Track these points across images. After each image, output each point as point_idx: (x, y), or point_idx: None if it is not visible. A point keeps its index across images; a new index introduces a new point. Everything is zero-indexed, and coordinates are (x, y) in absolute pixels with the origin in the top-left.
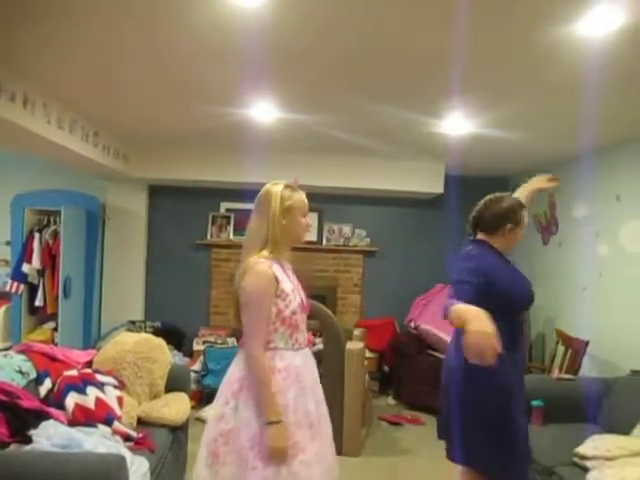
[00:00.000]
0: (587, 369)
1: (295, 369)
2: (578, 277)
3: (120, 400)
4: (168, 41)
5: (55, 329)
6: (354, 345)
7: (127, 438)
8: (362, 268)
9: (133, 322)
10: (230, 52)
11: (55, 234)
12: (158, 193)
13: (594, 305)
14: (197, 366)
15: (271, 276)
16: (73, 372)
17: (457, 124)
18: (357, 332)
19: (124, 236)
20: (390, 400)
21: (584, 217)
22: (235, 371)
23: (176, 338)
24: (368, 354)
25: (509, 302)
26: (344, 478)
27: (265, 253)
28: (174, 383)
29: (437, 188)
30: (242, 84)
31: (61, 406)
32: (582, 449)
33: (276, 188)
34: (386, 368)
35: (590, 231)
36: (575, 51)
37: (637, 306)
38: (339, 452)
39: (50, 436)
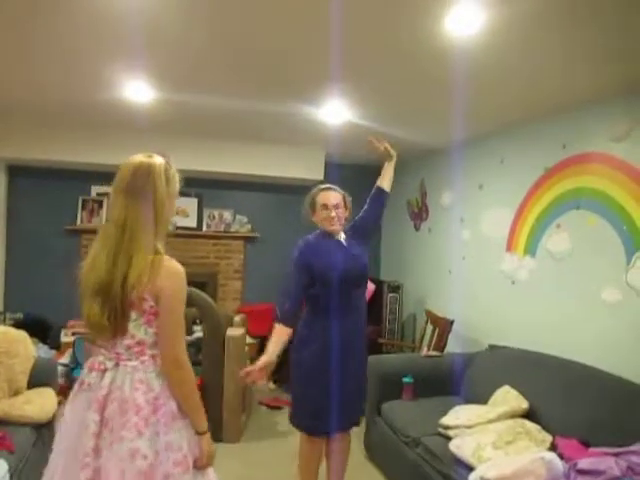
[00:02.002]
0: (452, 346)
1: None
2: (445, 261)
3: None
4: (31, 14)
5: None
6: (234, 331)
7: None
8: (243, 254)
9: None
10: (103, 28)
11: None
12: (19, 174)
13: (458, 287)
14: (66, 359)
15: (185, 275)
16: None
17: (336, 112)
18: (238, 318)
19: None
20: (270, 384)
21: (451, 204)
22: (137, 394)
23: (41, 330)
24: (249, 340)
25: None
26: (224, 465)
27: (159, 246)
28: (38, 378)
29: (318, 175)
30: (114, 60)
31: None
32: (445, 420)
33: (158, 163)
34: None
35: (456, 217)
36: (443, 49)
37: (493, 286)
38: (219, 439)
39: None
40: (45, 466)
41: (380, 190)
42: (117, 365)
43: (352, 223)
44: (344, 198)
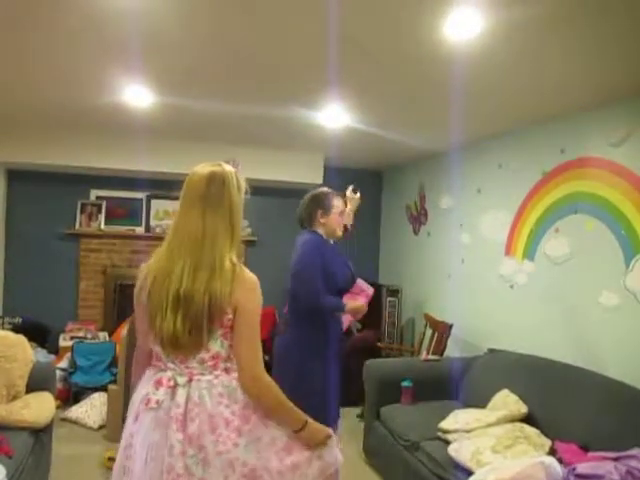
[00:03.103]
0: (451, 350)
1: None
2: (444, 264)
3: None
4: (29, 19)
5: None
6: None
7: None
8: (243, 258)
9: None
10: (102, 32)
11: None
12: (19, 178)
13: (457, 290)
14: (64, 363)
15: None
16: None
17: (335, 117)
18: None
19: None
20: None
21: (450, 208)
22: (221, 408)
23: (40, 334)
24: None
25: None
26: None
27: (234, 257)
28: (37, 382)
29: (316, 179)
30: (112, 66)
31: None
32: (444, 424)
33: (229, 171)
34: (266, 357)
35: (455, 221)
36: (442, 53)
37: (492, 290)
38: None
39: None
40: (43, 471)
41: None
42: (190, 381)
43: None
44: None
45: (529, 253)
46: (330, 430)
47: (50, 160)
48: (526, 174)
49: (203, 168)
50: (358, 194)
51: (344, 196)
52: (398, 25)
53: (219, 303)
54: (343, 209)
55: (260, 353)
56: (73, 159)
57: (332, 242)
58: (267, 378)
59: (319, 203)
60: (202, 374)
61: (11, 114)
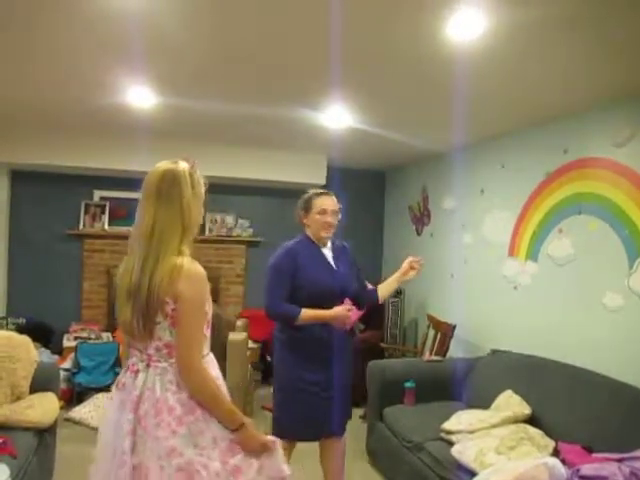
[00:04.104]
0: (454, 351)
1: (217, 379)
2: (447, 265)
3: None
4: (34, 20)
5: None
6: (236, 336)
7: None
8: (245, 258)
9: None
10: (105, 33)
11: None
12: (22, 179)
13: (460, 291)
14: (68, 364)
15: (206, 277)
16: None
17: (337, 118)
18: (240, 323)
19: None
20: (271, 389)
21: (453, 209)
22: (168, 394)
23: (43, 335)
24: (251, 344)
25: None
26: None
27: (185, 249)
28: (41, 383)
29: (319, 179)
30: (114, 67)
31: None
32: (447, 425)
33: (182, 168)
34: (269, 358)
35: (458, 222)
36: (444, 55)
37: (495, 291)
38: None
39: None
40: (47, 471)
41: (376, 297)
42: (148, 366)
43: (348, 251)
44: (339, 205)
45: (532, 254)
46: (271, 441)
47: (54, 161)
48: (529, 175)
49: (158, 166)
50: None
51: (328, 194)
52: (400, 25)
53: (158, 294)
54: (325, 208)
55: (197, 344)
56: (77, 160)
57: (327, 246)
58: (202, 370)
59: (301, 204)
60: (159, 361)
61: (15, 115)
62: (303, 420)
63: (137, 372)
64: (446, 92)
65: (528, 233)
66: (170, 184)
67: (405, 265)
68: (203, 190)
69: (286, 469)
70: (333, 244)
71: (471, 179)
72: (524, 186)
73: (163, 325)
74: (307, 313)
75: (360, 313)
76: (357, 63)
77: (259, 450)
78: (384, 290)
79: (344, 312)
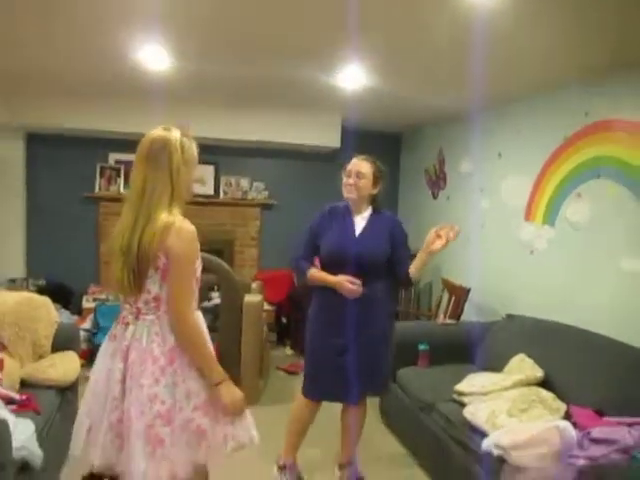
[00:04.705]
0: (468, 314)
1: (204, 327)
2: (463, 229)
3: (0, 362)
4: None
5: None
6: (252, 298)
7: (9, 401)
8: (259, 221)
9: (13, 280)
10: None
11: None
12: (38, 142)
13: (476, 255)
14: (87, 324)
15: (196, 235)
16: None
17: (352, 77)
18: (255, 285)
19: None
20: (288, 350)
21: (470, 172)
22: (153, 345)
23: (63, 296)
24: (266, 306)
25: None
26: None
27: (175, 209)
28: (62, 342)
29: (334, 142)
30: (131, 26)
31: None
32: (460, 386)
33: (174, 135)
34: (284, 319)
35: (475, 186)
36: (463, 12)
37: (512, 255)
38: None
39: None
40: (70, 427)
41: (406, 278)
42: (137, 319)
43: (393, 224)
44: (375, 171)
45: (549, 218)
46: (242, 404)
47: (69, 123)
48: (548, 138)
49: (151, 132)
50: None
51: (358, 157)
52: None
53: (149, 249)
54: (349, 169)
55: (187, 293)
56: (92, 122)
57: (364, 215)
58: (191, 319)
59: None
60: (147, 314)
61: (30, 77)
62: (318, 380)
63: (127, 324)
64: (464, 53)
65: (545, 197)
66: (160, 149)
67: (431, 235)
68: (194, 155)
69: (255, 435)
70: (377, 214)
71: (489, 143)
72: (542, 150)
73: (154, 278)
74: (315, 273)
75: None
76: (374, 23)
77: (238, 405)
78: (413, 268)
79: (344, 282)
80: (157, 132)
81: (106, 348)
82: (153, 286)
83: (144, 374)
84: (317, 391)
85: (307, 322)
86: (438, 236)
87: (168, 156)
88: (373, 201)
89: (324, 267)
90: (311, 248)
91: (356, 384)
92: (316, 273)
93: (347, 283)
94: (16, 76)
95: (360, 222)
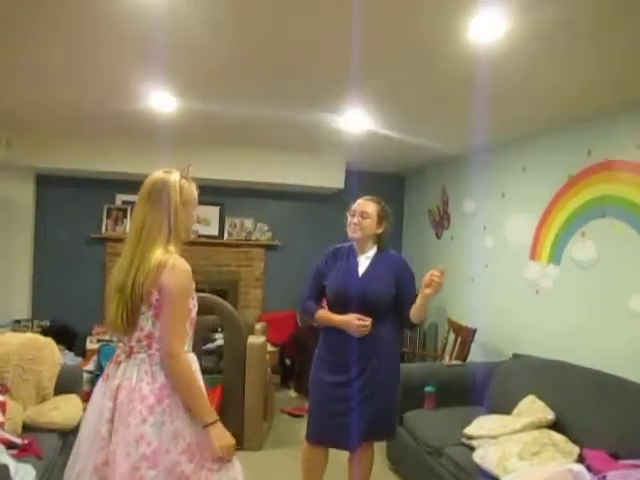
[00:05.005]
0: (475, 355)
1: (196, 373)
2: (467, 268)
3: (2, 405)
4: (57, 25)
5: None
6: (255, 339)
7: (11, 445)
8: (264, 262)
9: (18, 321)
10: (125, 41)
11: None
12: (47, 183)
13: (480, 295)
14: (91, 366)
15: (191, 274)
16: None
17: (356, 121)
18: (258, 326)
19: (7, 229)
20: (292, 392)
21: (473, 212)
22: (142, 384)
23: (67, 337)
24: (270, 348)
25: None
26: (246, 472)
27: (172, 248)
28: (65, 385)
29: (338, 183)
30: (137, 72)
31: None
32: (469, 430)
33: (173, 177)
34: (288, 361)
35: (478, 225)
36: (466, 56)
37: (517, 294)
38: (240, 446)
39: None
40: None
41: (409, 321)
42: (129, 357)
43: (398, 264)
44: (379, 211)
45: (555, 257)
46: (234, 445)
47: (78, 165)
48: (551, 177)
49: (153, 174)
50: None
51: (364, 198)
52: (421, 27)
53: (143, 286)
54: (354, 209)
55: (179, 333)
56: (99, 164)
57: (368, 254)
58: (182, 357)
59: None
60: (139, 352)
61: (39, 120)
62: (321, 423)
63: (119, 363)
64: (467, 94)
65: (550, 236)
66: (159, 190)
67: (427, 277)
68: (193, 197)
69: None
70: (382, 253)
71: (492, 182)
72: (546, 189)
73: (147, 315)
74: (322, 314)
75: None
76: (377, 66)
77: (227, 450)
78: (413, 310)
79: (352, 320)
80: (158, 174)
81: (99, 389)
82: (146, 323)
83: (132, 413)
84: (319, 434)
85: (313, 363)
86: (430, 282)
87: (167, 197)
88: (378, 241)
89: (331, 308)
90: (317, 289)
91: (358, 430)
92: (323, 313)
93: (355, 320)
94: (25, 118)
95: (364, 262)
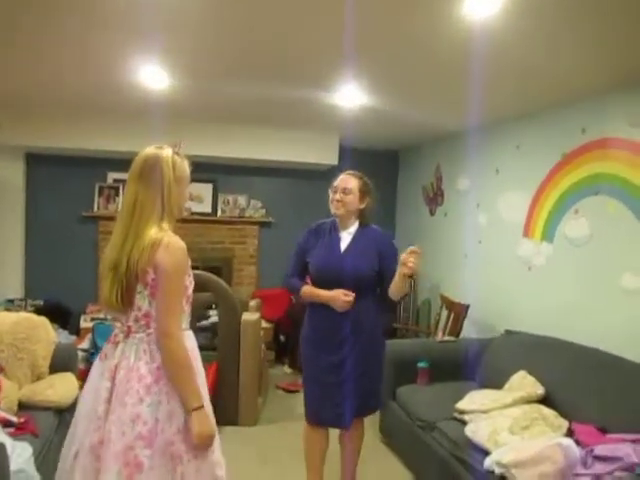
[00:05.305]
0: (468, 331)
1: (192, 351)
2: (461, 245)
3: None
4: (52, 2)
5: None
6: (250, 316)
7: (7, 424)
8: (257, 239)
9: (11, 301)
10: (119, 13)
11: None
12: (37, 162)
13: (474, 271)
14: (85, 344)
15: (186, 252)
16: None
17: (350, 97)
18: (253, 303)
19: None
20: (286, 368)
21: (467, 189)
22: (140, 363)
23: (61, 316)
24: (264, 324)
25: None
26: (241, 448)
27: (165, 226)
28: (59, 363)
29: (332, 160)
30: (129, 47)
31: None
32: (460, 404)
33: (166, 153)
34: (282, 337)
35: (472, 202)
36: (460, 32)
37: (510, 271)
38: (235, 422)
39: None
40: None
41: (389, 300)
42: (127, 337)
43: (380, 239)
44: (361, 186)
45: (548, 235)
46: (214, 435)
47: (68, 144)
48: (545, 155)
49: (144, 150)
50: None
51: (345, 173)
52: (415, 3)
53: (137, 264)
54: (336, 185)
55: (175, 309)
56: (90, 142)
57: (350, 230)
58: (176, 336)
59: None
60: (137, 332)
61: (29, 99)
62: (316, 404)
63: (117, 343)
64: (461, 72)
65: (543, 214)
66: (152, 167)
67: (403, 256)
68: (186, 173)
69: (221, 470)
70: (364, 229)
71: (486, 159)
72: (540, 166)
73: (143, 294)
74: (307, 289)
75: None
76: (371, 42)
77: (210, 435)
78: (392, 288)
79: (339, 295)
80: (149, 150)
81: (96, 368)
82: (142, 302)
83: (129, 393)
84: (316, 414)
85: (301, 344)
86: (404, 263)
87: (160, 173)
88: (361, 216)
89: (314, 284)
90: (301, 266)
91: (351, 407)
92: (309, 289)
93: (342, 295)
94: (14, 96)
95: (346, 238)
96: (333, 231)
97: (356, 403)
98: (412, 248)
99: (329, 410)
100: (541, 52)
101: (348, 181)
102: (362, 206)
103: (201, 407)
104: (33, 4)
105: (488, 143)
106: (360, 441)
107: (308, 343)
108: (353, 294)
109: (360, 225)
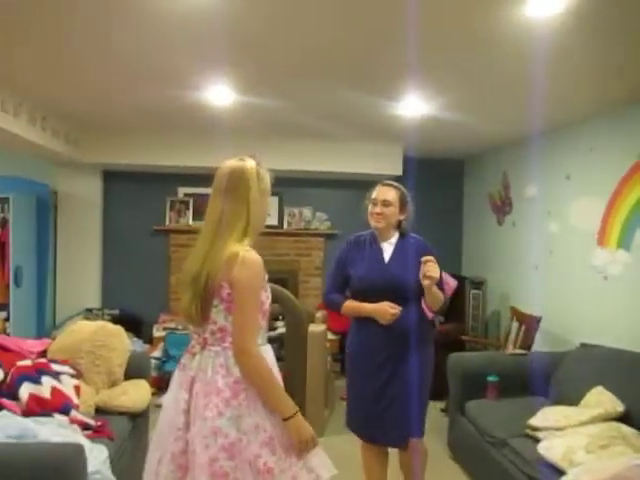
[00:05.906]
0: (539, 344)
1: (272, 367)
2: (530, 255)
3: (77, 389)
4: (119, 23)
5: (7, 319)
6: (316, 328)
7: (85, 427)
8: (323, 251)
9: (90, 310)
10: (185, 35)
11: (3, 222)
12: (113, 178)
13: (545, 282)
14: (157, 353)
15: (263, 266)
16: (27, 362)
17: (413, 106)
18: (319, 315)
19: (78, 223)
20: None
21: (536, 196)
22: (217, 377)
23: (135, 325)
24: (330, 336)
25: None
26: None
27: (247, 240)
28: (133, 370)
29: (396, 170)
30: (196, 66)
31: (15, 397)
32: (533, 421)
33: (250, 165)
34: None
35: (542, 210)
36: (523, 34)
37: (584, 282)
38: None
39: (3, 427)
40: (141, 453)
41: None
42: (204, 349)
43: (421, 248)
44: (401, 197)
45: (624, 242)
46: (314, 437)
47: (142, 160)
48: (620, 157)
49: (227, 163)
50: None
51: (384, 185)
52: (477, 7)
53: (215, 278)
54: (375, 198)
55: (251, 325)
56: (163, 159)
57: (391, 241)
58: (254, 351)
59: (367, 198)
60: (213, 345)
61: (107, 120)
62: (358, 418)
63: (194, 354)
64: (526, 73)
65: (619, 220)
66: (238, 180)
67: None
68: (269, 186)
69: (332, 467)
70: (404, 239)
71: (555, 164)
72: (614, 170)
73: (219, 308)
74: (349, 305)
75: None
76: (434, 50)
77: (309, 441)
78: (427, 300)
79: (384, 308)
80: (233, 163)
81: (176, 378)
82: (218, 316)
83: (208, 406)
84: (355, 427)
85: (346, 361)
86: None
87: (246, 186)
88: (400, 226)
89: (355, 298)
90: (341, 280)
91: (395, 425)
92: (352, 304)
93: (388, 307)
94: (91, 116)
95: (388, 248)
96: (374, 243)
97: (400, 424)
98: (425, 258)
99: (372, 425)
100: (610, 50)
101: (387, 193)
102: (402, 217)
103: (295, 414)
104: (111, 23)
105: (557, 147)
106: (425, 457)
107: (354, 360)
108: (399, 307)
109: (400, 235)
